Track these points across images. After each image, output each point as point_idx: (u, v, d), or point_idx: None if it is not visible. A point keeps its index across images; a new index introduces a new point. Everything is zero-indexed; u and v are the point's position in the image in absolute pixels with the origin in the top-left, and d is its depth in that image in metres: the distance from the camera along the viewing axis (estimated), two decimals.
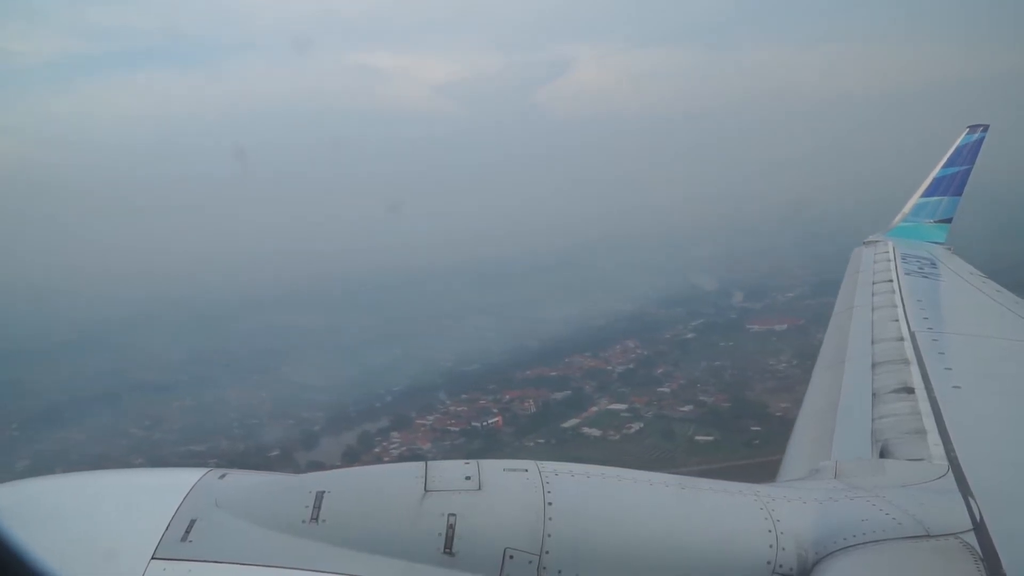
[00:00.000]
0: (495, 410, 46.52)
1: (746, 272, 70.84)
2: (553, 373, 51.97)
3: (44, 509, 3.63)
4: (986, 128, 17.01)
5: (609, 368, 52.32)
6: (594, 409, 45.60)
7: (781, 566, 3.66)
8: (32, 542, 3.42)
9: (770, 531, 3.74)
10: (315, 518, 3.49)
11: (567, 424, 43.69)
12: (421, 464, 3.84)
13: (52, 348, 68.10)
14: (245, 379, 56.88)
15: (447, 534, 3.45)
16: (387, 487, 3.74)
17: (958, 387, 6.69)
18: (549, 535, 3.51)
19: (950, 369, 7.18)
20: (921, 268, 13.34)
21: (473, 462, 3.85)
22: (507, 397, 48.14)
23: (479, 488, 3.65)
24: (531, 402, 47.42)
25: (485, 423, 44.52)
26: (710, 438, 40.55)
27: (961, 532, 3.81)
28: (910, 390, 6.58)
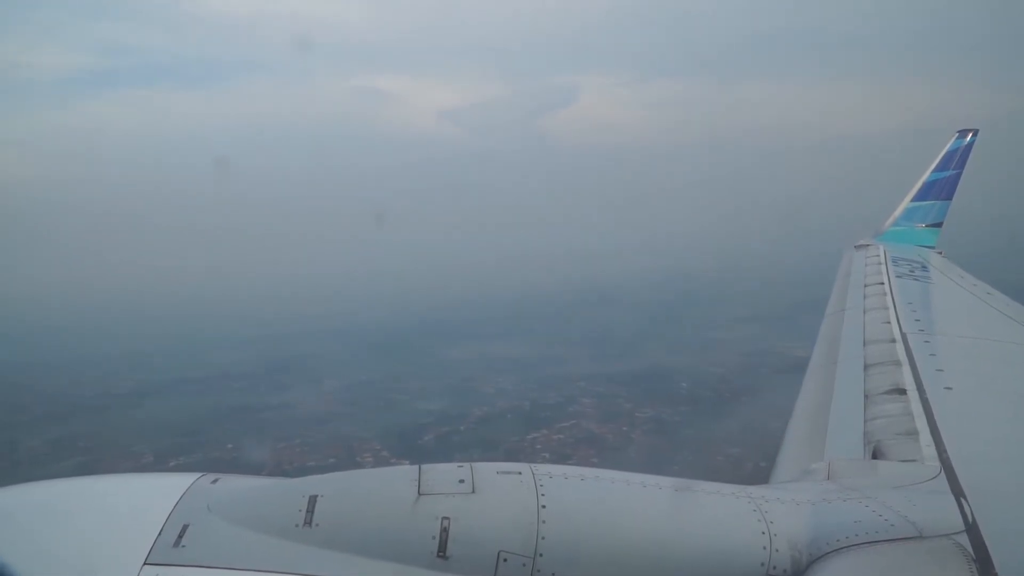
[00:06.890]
0: None
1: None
2: None
3: (34, 515, 3.60)
4: (976, 133, 17.13)
5: None
6: None
7: (775, 568, 3.66)
8: (22, 548, 3.42)
9: (764, 533, 3.75)
10: (308, 522, 3.47)
11: None
12: (414, 467, 3.82)
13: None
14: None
15: (441, 537, 3.44)
16: (380, 490, 3.72)
17: (950, 388, 6.72)
18: (543, 538, 3.50)
19: (942, 370, 7.20)
20: (912, 271, 13.43)
21: (467, 465, 3.84)
22: None
23: (473, 491, 3.63)
24: None
25: None
26: None
27: (953, 533, 3.81)
28: (902, 391, 6.60)
